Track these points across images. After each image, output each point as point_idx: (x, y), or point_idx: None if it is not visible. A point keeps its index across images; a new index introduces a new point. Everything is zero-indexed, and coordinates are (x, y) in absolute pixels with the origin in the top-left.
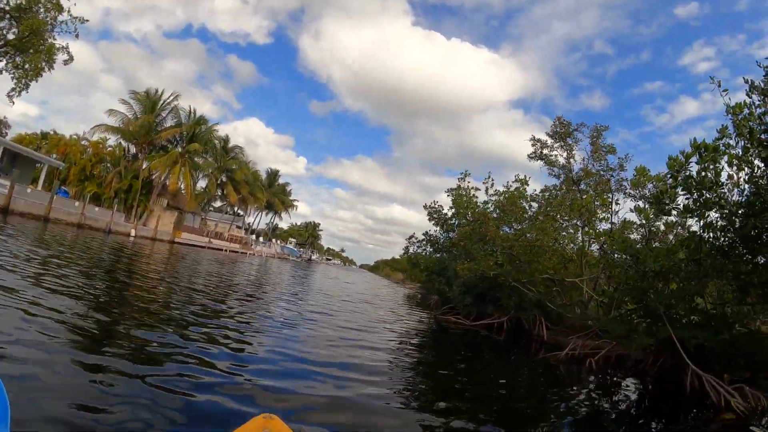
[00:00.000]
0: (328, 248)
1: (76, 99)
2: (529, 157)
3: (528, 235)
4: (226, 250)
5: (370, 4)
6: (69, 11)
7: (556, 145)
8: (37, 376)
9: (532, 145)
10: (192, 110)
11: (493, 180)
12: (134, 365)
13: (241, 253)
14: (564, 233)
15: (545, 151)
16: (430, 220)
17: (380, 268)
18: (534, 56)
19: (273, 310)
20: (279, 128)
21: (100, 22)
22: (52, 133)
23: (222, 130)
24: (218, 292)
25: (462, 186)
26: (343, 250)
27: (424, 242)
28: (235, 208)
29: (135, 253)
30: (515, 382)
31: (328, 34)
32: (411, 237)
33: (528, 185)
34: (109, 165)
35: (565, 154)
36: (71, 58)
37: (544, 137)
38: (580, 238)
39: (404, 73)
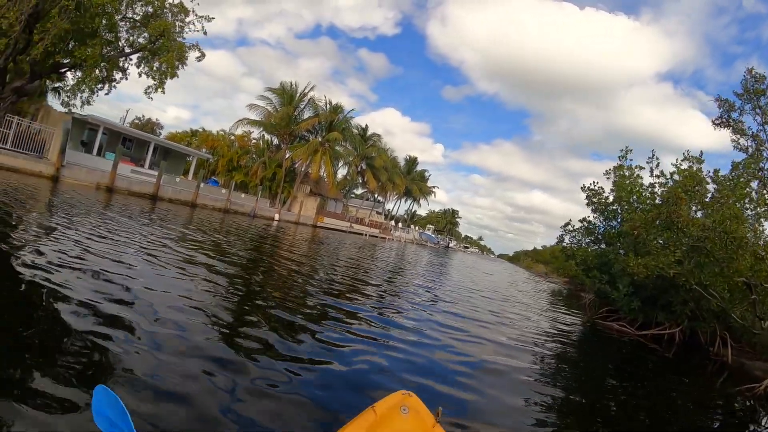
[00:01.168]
0: (466, 236)
1: (221, 102)
2: (714, 123)
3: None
4: (366, 235)
5: None
6: (194, 11)
7: (747, 107)
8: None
9: (719, 107)
10: (328, 100)
11: (658, 159)
12: (280, 339)
13: (381, 237)
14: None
15: (734, 115)
16: (588, 204)
17: (520, 258)
18: (678, 21)
19: (413, 296)
20: (415, 116)
21: (235, 32)
22: (201, 130)
23: (360, 121)
24: (358, 276)
25: (624, 166)
26: (480, 238)
27: (582, 231)
28: (375, 195)
29: (277, 236)
30: (685, 418)
31: (455, 18)
32: (566, 224)
33: (704, 162)
34: (254, 156)
35: (759, 119)
36: (203, 55)
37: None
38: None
39: (538, 51)
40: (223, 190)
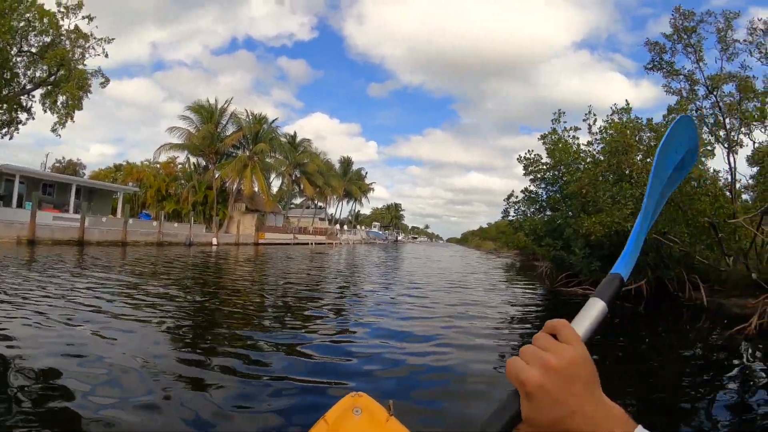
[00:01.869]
0: (413, 227)
1: (146, 131)
2: (646, 68)
3: None
4: (311, 244)
5: None
6: (92, 34)
7: (678, 47)
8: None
9: (649, 51)
10: (249, 113)
11: (595, 115)
12: (231, 359)
13: (328, 244)
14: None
15: (666, 57)
16: (526, 174)
17: (468, 239)
18: None
19: (365, 295)
20: (344, 117)
21: (150, 56)
22: (124, 163)
23: (289, 129)
24: (307, 287)
25: (557, 130)
26: (427, 227)
27: (525, 201)
28: (315, 201)
29: (217, 261)
30: (688, 377)
31: (371, 15)
32: (509, 197)
33: (631, 110)
34: (183, 181)
35: (693, 57)
36: (107, 80)
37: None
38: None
39: (457, 36)
40: (154, 223)
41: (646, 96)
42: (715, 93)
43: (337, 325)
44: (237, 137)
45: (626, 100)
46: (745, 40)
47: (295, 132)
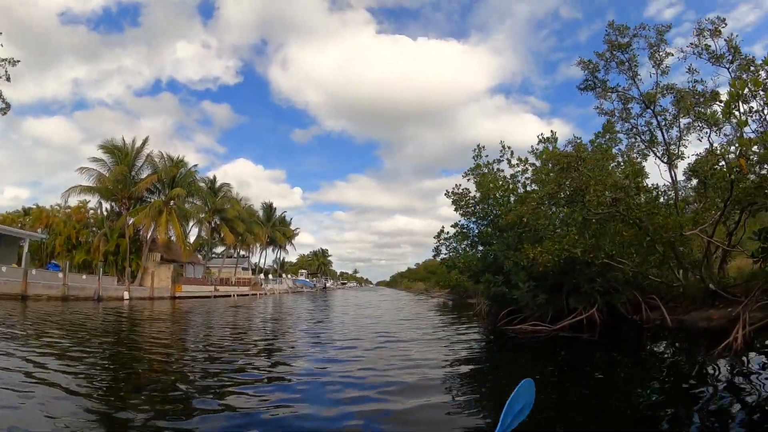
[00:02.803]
0: (341, 272)
1: (64, 174)
2: (579, 89)
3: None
4: (234, 296)
5: (330, 20)
6: None
7: (611, 64)
8: None
9: (582, 69)
10: (166, 155)
11: (511, 149)
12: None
13: (252, 295)
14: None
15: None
16: (456, 209)
17: (397, 281)
18: (503, 39)
19: (299, 353)
20: (268, 164)
21: (72, 94)
22: (34, 207)
23: (211, 175)
24: (233, 345)
25: (481, 164)
26: (356, 271)
27: (456, 237)
28: (238, 250)
29: (129, 319)
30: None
31: (296, 60)
32: (440, 233)
33: (557, 140)
34: (94, 229)
35: (627, 74)
36: (8, 107)
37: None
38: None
39: (378, 83)
40: (60, 274)
41: (558, 133)
42: (651, 108)
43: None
44: (152, 180)
45: (552, 131)
46: (692, 44)
47: (214, 176)
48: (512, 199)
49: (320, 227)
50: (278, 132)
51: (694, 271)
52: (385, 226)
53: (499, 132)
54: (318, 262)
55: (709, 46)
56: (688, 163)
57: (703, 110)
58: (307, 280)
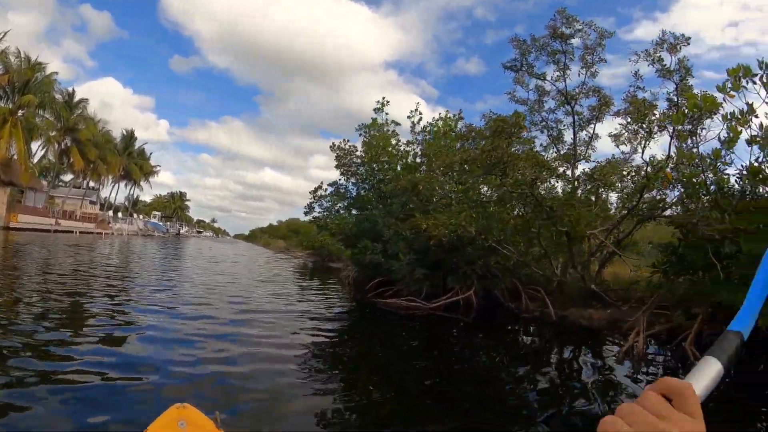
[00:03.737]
0: (198, 220)
1: None
2: (505, 66)
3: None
4: (76, 232)
5: None
6: None
7: (542, 53)
8: None
9: (514, 47)
10: (24, 55)
11: (420, 114)
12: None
13: (97, 233)
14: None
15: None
16: (338, 167)
17: (257, 236)
18: (413, 18)
19: (147, 301)
20: (139, 88)
21: None
22: None
23: (76, 93)
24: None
25: (379, 121)
26: (214, 221)
27: (332, 196)
28: (87, 180)
29: None
30: None
31: None
32: (316, 190)
33: (463, 119)
34: None
35: (557, 66)
36: None
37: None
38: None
39: (277, 28)
40: None
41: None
42: (572, 105)
43: (130, 333)
44: (1, 81)
45: (460, 110)
46: (646, 50)
47: (73, 89)
48: (399, 168)
49: (183, 168)
50: (157, 56)
51: (577, 270)
52: (252, 177)
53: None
54: (174, 206)
55: (663, 59)
56: (590, 168)
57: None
58: (160, 223)
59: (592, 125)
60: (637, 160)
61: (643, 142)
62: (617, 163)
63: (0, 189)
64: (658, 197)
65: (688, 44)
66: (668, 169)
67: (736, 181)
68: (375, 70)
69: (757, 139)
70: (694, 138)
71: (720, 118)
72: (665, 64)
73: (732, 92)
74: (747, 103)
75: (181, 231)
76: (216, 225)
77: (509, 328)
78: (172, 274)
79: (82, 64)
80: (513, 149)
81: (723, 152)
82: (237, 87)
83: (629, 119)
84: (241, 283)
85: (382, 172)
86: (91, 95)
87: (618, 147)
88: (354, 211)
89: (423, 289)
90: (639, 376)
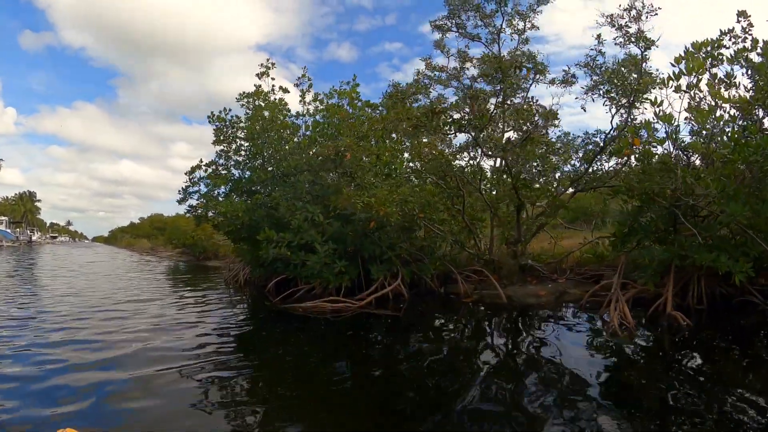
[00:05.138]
0: (52, 223)
1: None
2: (434, 25)
3: None
4: None
5: None
6: None
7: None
8: None
9: (447, 3)
10: None
11: (311, 80)
12: None
13: None
14: None
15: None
16: (217, 142)
17: (117, 237)
18: (287, 1)
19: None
20: None
21: None
22: None
23: None
24: None
25: (264, 88)
26: (69, 223)
27: (213, 179)
28: None
29: None
30: None
31: None
32: (194, 170)
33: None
34: None
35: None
36: None
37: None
38: None
39: (141, 2)
40: None
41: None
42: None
43: None
44: None
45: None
46: (609, 15)
47: None
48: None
49: (32, 164)
50: (3, 29)
51: (510, 246)
52: (109, 171)
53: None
54: (24, 209)
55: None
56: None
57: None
58: (8, 230)
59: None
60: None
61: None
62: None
63: None
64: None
65: (657, 14)
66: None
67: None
68: (244, 52)
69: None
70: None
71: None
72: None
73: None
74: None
75: (33, 237)
76: (72, 228)
77: (456, 317)
78: (26, 293)
79: None
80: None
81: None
82: (92, 68)
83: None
84: (101, 302)
85: (273, 146)
86: None
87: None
88: (237, 198)
89: (342, 285)
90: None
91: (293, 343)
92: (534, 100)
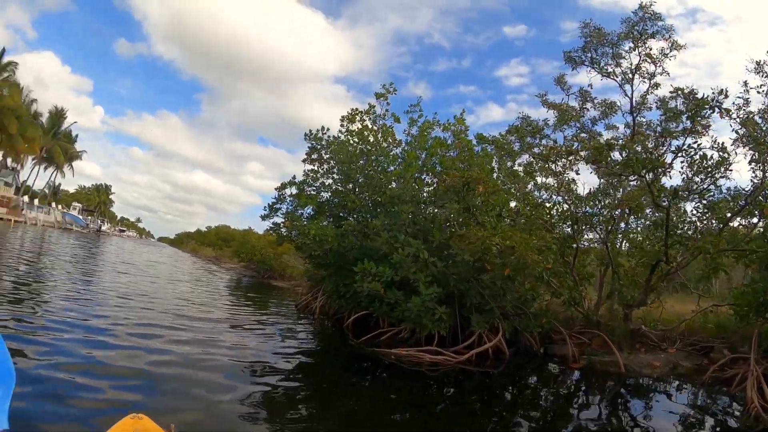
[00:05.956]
0: (122, 217)
1: None
2: (567, 57)
3: None
4: None
5: None
6: None
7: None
8: None
9: (583, 35)
10: None
11: (421, 110)
12: None
13: (6, 220)
14: None
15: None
16: (307, 160)
17: (183, 241)
18: (367, 36)
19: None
20: (77, 68)
21: None
22: None
23: (12, 60)
24: None
25: (378, 110)
26: (139, 220)
27: (302, 198)
28: (7, 160)
29: None
30: None
31: None
32: (284, 187)
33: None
34: None
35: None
36: None
37: None
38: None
39: (231, 26)
40: None
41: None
42: (634, 115)
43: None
44: None
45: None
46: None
47: (3, 48)
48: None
49: (112, 161)
50: (101, 36)
51: (627, 308)
52: (183, 178)
53: (328, 120)
54: (99, 199)
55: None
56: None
57: None
58: (80, 216)
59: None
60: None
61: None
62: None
63: None
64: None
65: None
66: None
67: None
68: (324, 82)
69: None
70: None
71: None
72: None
73: None
74: None
75: (103, 228)
76: (141, 225)
77: (568, 386)
78: (87, 291)
79: (23, 33)
80: None
81: None
82: (180, 80)
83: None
84: (171, 304)
85: (371, 173)
86: (27, 68)
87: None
88: (325, 222)
89: (435, 334)
90: None
91: (393, 401)
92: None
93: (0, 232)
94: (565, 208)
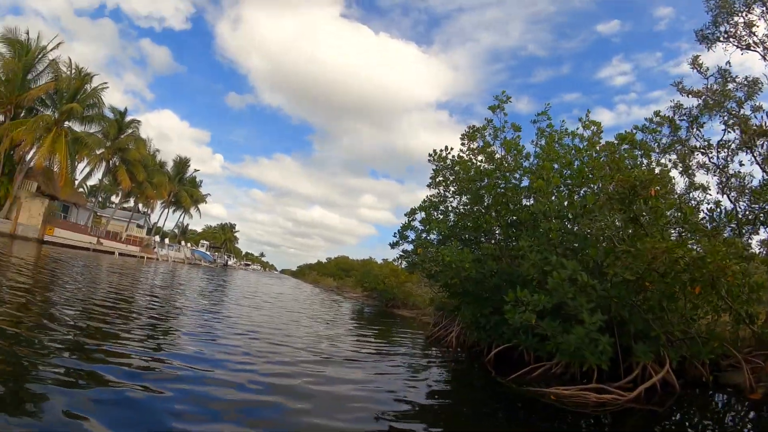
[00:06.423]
0: (247, 252)
1: None
2: (699, 36)
3: None
4: (116, 254)
5: None
6: None
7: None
8: None
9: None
10: (75, 65)
11: (550, 118)
12: None
13: (140, 258)
14: None
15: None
16: (433, 185)
17: (305, 273)
18: (461, 58)
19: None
20: (195, 122)
21: None
22: None
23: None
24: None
25: (497, 124)
26: (262, 255)
27: (431, 223)
28: (137, 203)
29: None
30: None
31: (249, 21)
32: (413, 212)
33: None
34: None
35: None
36: None
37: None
38: None
39: (329, 67)
40: None
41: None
42: None
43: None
44: (47, 89)
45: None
46: None
47: (126, 108)
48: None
49: (235, 202)
50: (213, 92)
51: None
52: (302, 214)
53: (432, 145)
54: (224, 237)
55: None
56: None
57: None
58: (207, 253)
59: None
60: None
61: None
62: None
63: (38, 200)
64: None
65: None
66: None
67: None
68: (424, 110)
69: None
70: None
71: None
72: None
73: None
74: None
75: (229, 262)
76: (264, 259)
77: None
78: (218, 325)
79: (142, 96)
80: None
81: None
82: (290, 125)
83: None
84: (301, 338)
85: (504, 190)
86: (150, 126)
87: None
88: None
89: (594, 369)
90: None
91: None
92: None
93: (133, 267)
94: (729, 208)
